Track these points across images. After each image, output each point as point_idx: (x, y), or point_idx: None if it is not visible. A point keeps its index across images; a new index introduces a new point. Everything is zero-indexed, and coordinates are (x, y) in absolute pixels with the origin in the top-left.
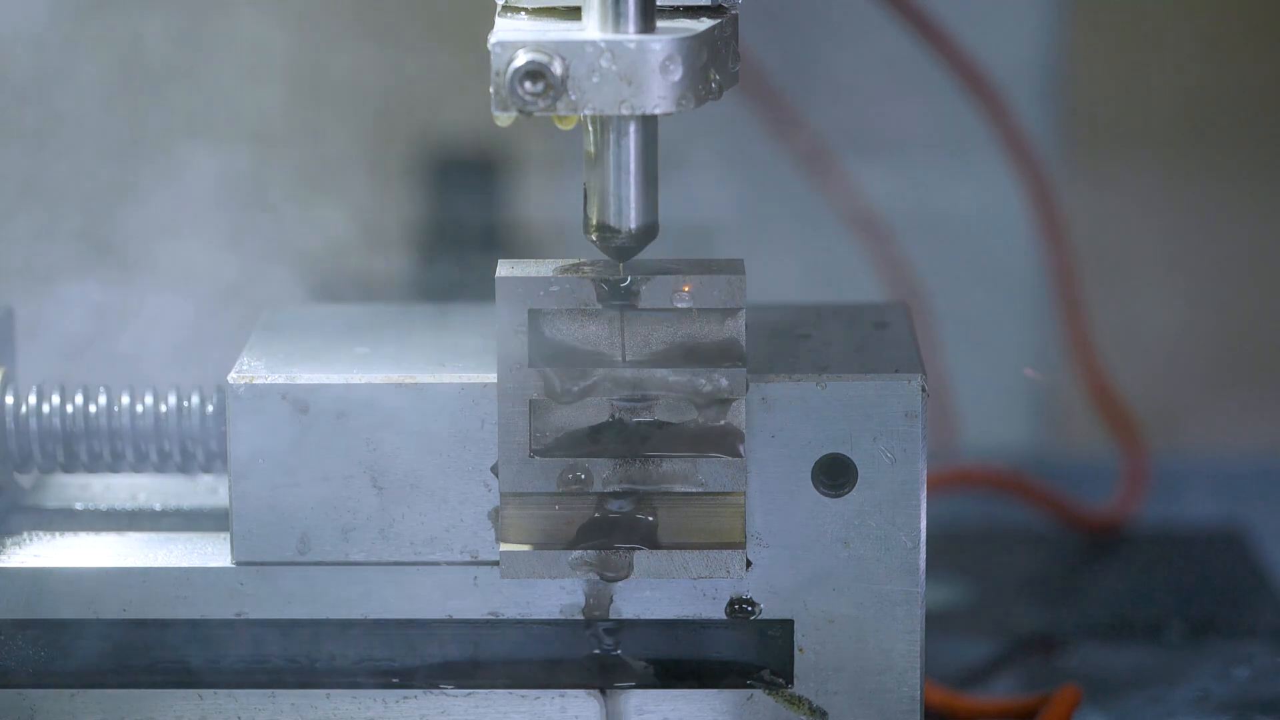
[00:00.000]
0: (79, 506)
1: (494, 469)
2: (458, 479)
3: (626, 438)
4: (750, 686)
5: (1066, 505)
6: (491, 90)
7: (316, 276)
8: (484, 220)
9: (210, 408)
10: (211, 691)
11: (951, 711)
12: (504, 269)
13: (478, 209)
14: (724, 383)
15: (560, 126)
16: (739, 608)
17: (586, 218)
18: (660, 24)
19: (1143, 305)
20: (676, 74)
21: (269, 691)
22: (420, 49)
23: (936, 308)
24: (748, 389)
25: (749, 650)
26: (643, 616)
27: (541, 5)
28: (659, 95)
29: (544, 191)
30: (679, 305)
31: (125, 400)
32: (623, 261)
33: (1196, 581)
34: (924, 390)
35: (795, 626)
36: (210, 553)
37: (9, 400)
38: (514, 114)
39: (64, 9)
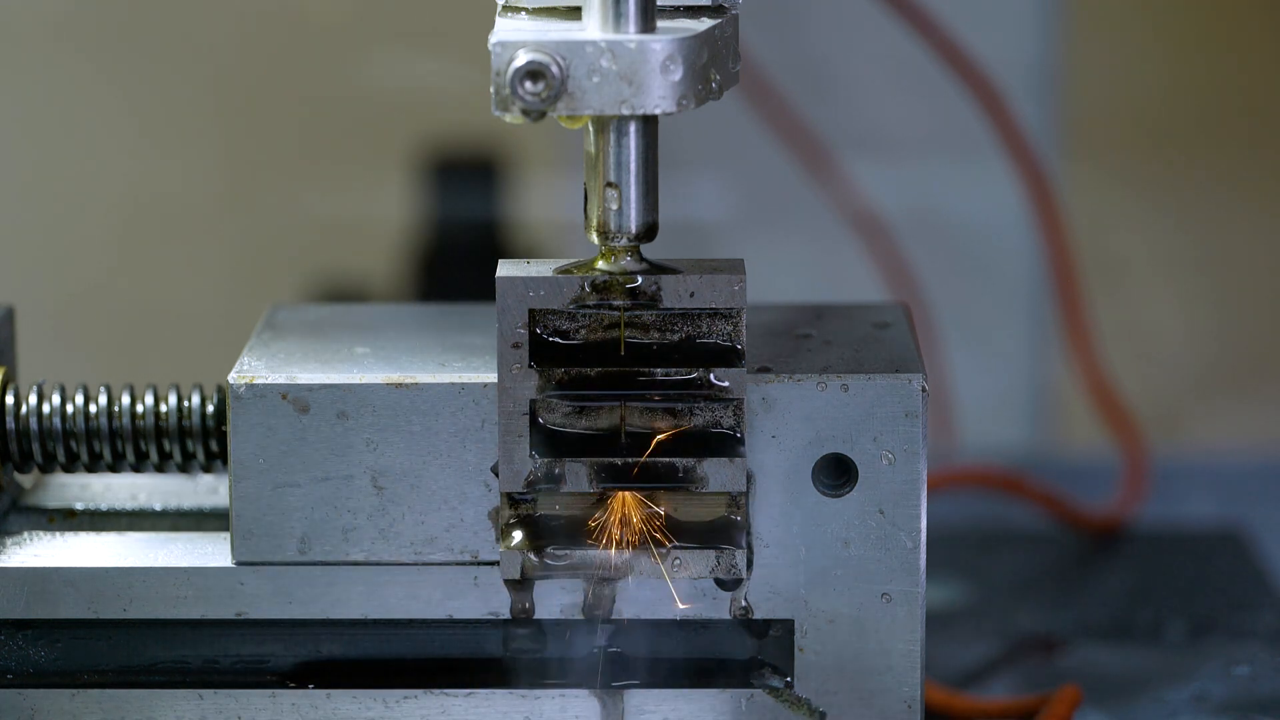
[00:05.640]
0: (79, 506)
1: (494, 469)
2: (458, 479)
3: (627, 438)
4: (750, 686)
5: (1066, 505)
6: (492, 90)
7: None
8: (484, 220)
9: (210, 408)
10: (211, 691)
11: (951, 711)
12: (504, 269)
13: (478, 209)
14: (724, 383)
15: (566, 126)
16: (740, 607)
17: (586, 218)
18: (660, 24)
19: (1143, 305)
20: (677, 74)
21: (269, 691)
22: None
23: (936, 308)
24: (747, 389)
25: (749, 650)
26: (643, 616)
27: (542, 5)
28: (659, 95)
29: (544, 191)
30: (679, 306)
31: (125, 400)
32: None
33: (1196, 581)
34: (924, 390)
35: (795, 626)
36: (210, 553)
37: (9, 400)
38: (519, 114)
39: None
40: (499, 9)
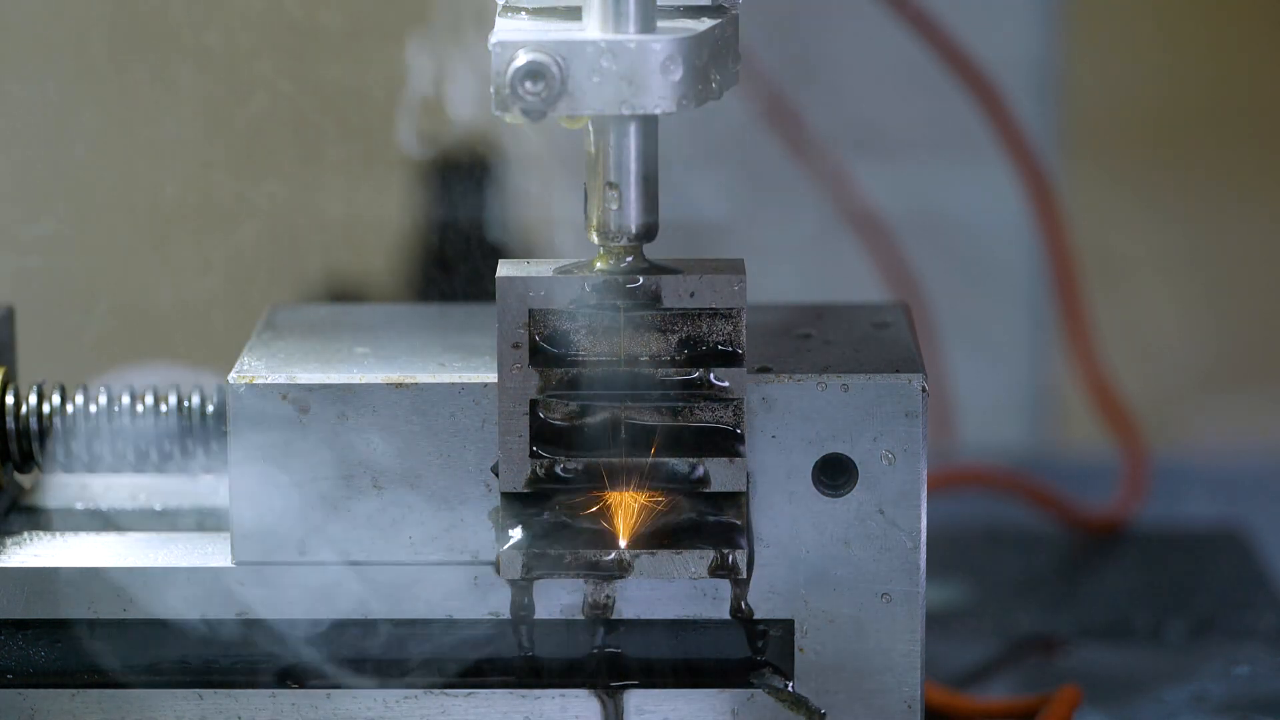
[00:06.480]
0: (79, 506)
1: (494, 469)
2: (458, 479)
3: (627, 438)
4: (750, 686)
5: (1066, 505)
6: (492, 90)
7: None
8: (484, 220)
9: (210, 408)
10: (211, 691)
11: (951, 711)
12: (504, 269)
13: (478, 209)
14: (724, 383)
15: (566, 126)
16: (739, 607)
17: (586, 218)
18: (660, 24)
19: (1143, 305)
20: (677, 74)
21: (269, 691)
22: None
23: (936, 308)
24: (748, 389)
25: (749, 650)
26: (643, 616)
27: (542, 5)
28: (659, 95)
29: (544, 191)
30: (679, 306)
31: (125, 400)
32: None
33: (1196, 581)
34: (924, 390)
35: (795, 626)
36: (210, 553)
37: (9, 400)
38: (519, 114)
39: None
40: (499, 9)
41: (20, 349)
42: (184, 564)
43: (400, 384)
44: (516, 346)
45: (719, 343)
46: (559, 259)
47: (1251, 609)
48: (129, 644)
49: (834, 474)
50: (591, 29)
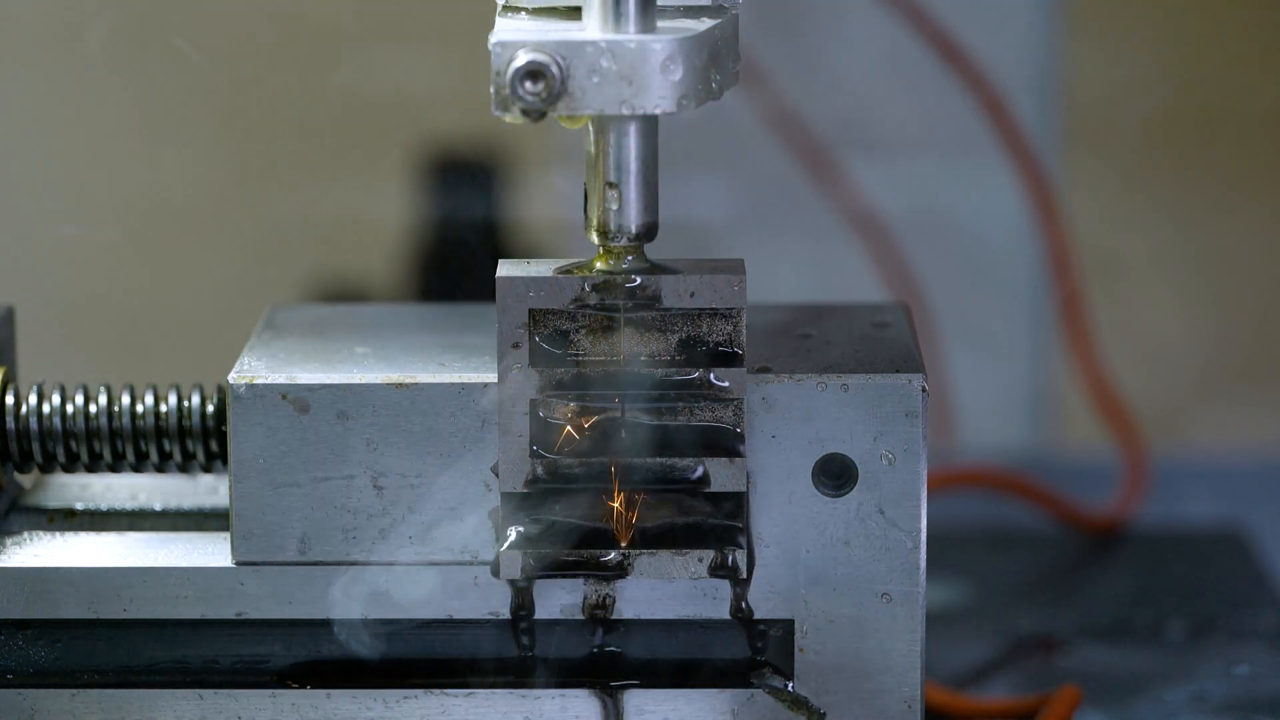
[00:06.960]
0: (79, 506)
1: (494, 469)
2: (458, 479)
3: (627, 438)
4: (750, 686)
5: (1066, 505)
6: (492, 90)
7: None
8: (484, 220)
9: (210, 408)
10: (211, 691)
11: (951, 711)
12: (504, 269)
13: (478, 209)
14: (724, 383)
15: (566, 126)
16: (739, 607)
17: (586, 218)
18: (660, 24)
19: (1142, 305)
20: (677, 74)
21: (269, 691)
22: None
23: (936, 308)
24: (748, 389)
25: (749, 650)
26: (643, 616)
27: (541, 5)
28: (659, 95)
29: (544, 191)
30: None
31: (125, 400)
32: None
33: (1196, 581)
34: (924, 390)
35: (795, 626)
36: (210, 553)
37: (9, 400)
38: (519, 114)
39: None
40: (499, 9)
41: (20, 349)
42: (184, 564)
43: (400, 384)
44: (516, 346)
45: (719, 343)
46: (559, 259)
47: (1251, 609)
48: (129, 644)
49: (834, 474)
50: (591, 29)
